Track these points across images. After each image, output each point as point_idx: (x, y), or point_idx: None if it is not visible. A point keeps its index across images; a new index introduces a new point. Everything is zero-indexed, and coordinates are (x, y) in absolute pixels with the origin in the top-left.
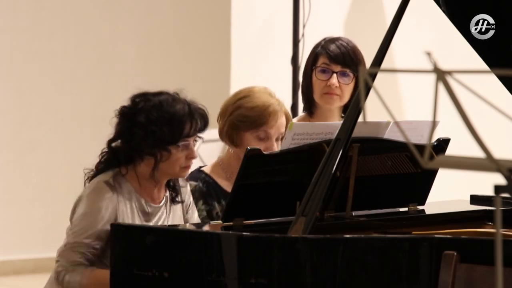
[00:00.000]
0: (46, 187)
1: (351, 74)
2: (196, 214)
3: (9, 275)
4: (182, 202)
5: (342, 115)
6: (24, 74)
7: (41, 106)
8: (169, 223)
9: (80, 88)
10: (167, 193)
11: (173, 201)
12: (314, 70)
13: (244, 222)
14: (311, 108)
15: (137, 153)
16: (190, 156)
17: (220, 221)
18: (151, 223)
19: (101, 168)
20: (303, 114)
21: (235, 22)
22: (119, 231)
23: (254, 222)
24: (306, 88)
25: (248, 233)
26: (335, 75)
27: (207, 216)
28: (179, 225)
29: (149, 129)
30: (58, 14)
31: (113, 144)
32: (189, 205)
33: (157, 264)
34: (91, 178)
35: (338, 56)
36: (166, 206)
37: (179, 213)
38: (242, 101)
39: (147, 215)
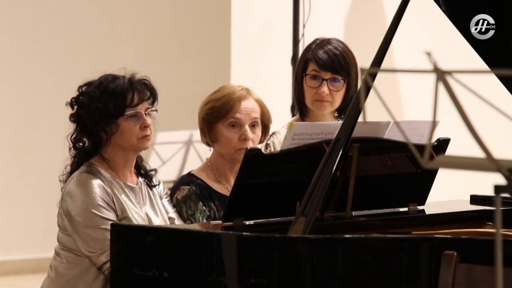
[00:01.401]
0: (46, 187)
1: (341, 80)
2: (169, 206)
3: (9, 275)
4: (157, 185)
5: (336, 114)
6: (24, 74)
7: (41, 106)
8: (157, 207)
9: None
10: (140, 179)
11: (149, 186)
12: (304, 77)
13: (244, 222)
14: (303, 111)
15: (91, 135)
16: (144, 125)
17: (220, 221)
18: (137, 202)
19: (73, 168)
20: (296, 116)
21: (235, 22)
22: (119, 231)
23: (254, 222)
24: (297, 92)
25: (248, 233)
26: (325, 82)
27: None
28: (179, 225)
29: (93, 106)
30: (58, 14)
31: (73, 138)
32: (163, 194)
33: (157, 264)
34: (65, 180)
35: (327, 63)
36: (143, 188)
37: (159, 198)
38: (210, 97)
39: (133, 194)
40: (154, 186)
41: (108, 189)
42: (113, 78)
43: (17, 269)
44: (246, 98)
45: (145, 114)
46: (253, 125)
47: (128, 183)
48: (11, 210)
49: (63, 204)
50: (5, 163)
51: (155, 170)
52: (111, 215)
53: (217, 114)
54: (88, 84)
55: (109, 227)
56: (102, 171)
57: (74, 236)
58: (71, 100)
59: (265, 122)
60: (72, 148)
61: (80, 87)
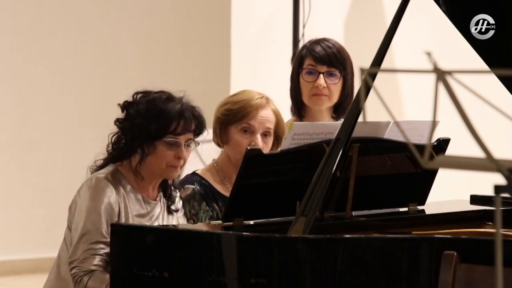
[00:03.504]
0: (46, 187)
1: (338, 74)
2: (183, 221)
3: (9, 275)
4: (176, 211)
5: (333, 115)
6: (24, 74)
7: (41, 106)
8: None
9: (80, 88)
10: (162, 197)
11: (169, 210)
12: (300, 72)
13: (244, 222)
14: (300, 111)
15: (128, 146)
16: (178, 156)
17: (220, 221)
18: (152, 217)
19: (102, 163)
20: (293, 118)
21: (235, 22)
22: (119, 231)
23: (254, 222)
24: (294, 91)
25: (248, 233)
26: (321, 75)
27: (212, 217)
28: (179, 225)
29: (137, 121)
30: (58, 14)
31: (113, 139)
32: (180, 207)
33: (157, 264)
34: (93, 171)
35: (323, 56)
36: (162, 208)
37: (173, 221)
38: (229, 99)
39: (145, 209)
40: (174, 211)
41: (120, 200)
42: (167, 98)
43: (17, 269)
44: (264, 107)
45: (185, 145)
46: (265, 135)
47: (147, 198)
48: (11, 210)
49: (74, 198)
50: (5, 163)
51: (180, 197)
52: (106, 230)
53: (233, 117)
54: (144, 94)
55: (100, 239)
56: (123, 180)
57: (70, 228)
58: (123, 103)
59: (278, 134)
60: (110, 145)
61: (136, 93)
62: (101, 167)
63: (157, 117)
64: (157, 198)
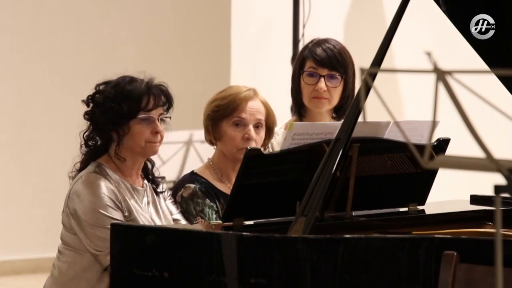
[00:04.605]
0: (46, 187)
1: (339, 77)
2: (173, 208)
3: (9, 275)
4: (163, 191)
5: (334, 115)
6: (24, 74)
7: (41, 106)
8: (161, 210)
9: (80, 88)
10: (148, 185)
11: (156, 192)
12: (301, 74)
13: (244, 222)
14: (301, 110)
15: (103, 134)
16: (155, 131)
17: (220, 221)
18: (142, 204)
19: (81, 166)
20: (294, 117)
21: (235, 22)
22: (118, 231)
23: (254, 222)
24: (295, 91)
25: (248, 233)
26: (322, 79)
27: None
28: (179, 225)
29: (107, 106)
30: (58, 14)
31: (85, 136)
32: (167, 196)
33: (157, 264)
34: (74, 177)
35: (324, 59)
36: (148, 192)
37: (163, 201)
38: (217, 95)
39: (139, 196)
40: (161, 192)
41: (116, 190)
42: (131, 80)
43: (17, 269)
44: (252, 98)
45: (158, 120)
46: (257, 126)
47: (134, 185)
48: (11, 210)
49: (69, 203)
50: (5, 163)
51: (164, 177)
52: (118, 215)
53: (223, 112)
54: (106, 83)
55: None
56: (109, 171)
57: (80, 235)
58: (87, 97)
59: (269, 125)
60: (83, 145)
61: (98, 85)
62: (80, 170)
63: (126, 97)
64: (144, 186)
